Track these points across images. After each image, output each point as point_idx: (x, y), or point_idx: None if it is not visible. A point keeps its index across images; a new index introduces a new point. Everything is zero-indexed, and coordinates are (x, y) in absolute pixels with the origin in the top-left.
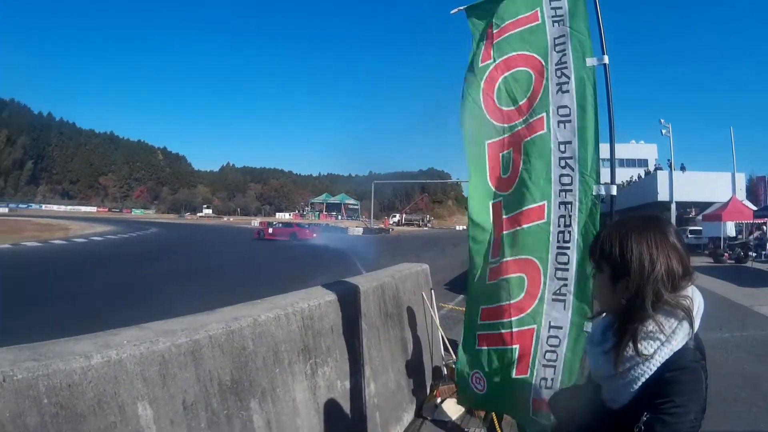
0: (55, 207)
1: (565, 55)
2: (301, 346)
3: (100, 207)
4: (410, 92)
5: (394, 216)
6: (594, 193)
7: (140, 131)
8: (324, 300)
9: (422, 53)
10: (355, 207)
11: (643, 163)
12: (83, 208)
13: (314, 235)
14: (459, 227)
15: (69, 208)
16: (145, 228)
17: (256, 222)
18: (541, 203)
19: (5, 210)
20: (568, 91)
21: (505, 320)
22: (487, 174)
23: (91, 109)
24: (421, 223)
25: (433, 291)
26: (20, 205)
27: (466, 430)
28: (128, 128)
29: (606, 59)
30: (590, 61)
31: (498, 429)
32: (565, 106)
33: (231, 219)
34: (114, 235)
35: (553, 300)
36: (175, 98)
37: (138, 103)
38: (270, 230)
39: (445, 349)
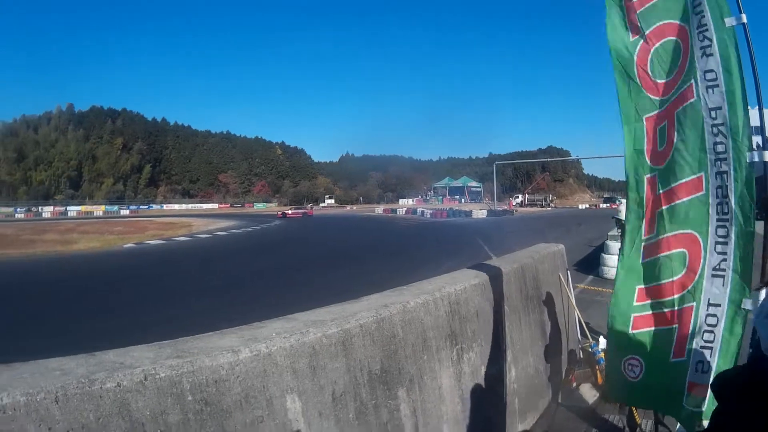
0: (176, 206)
1: (703, 17)
2: (448, 331)
3: (221, 203)
4: (526, 68)
5: (517, 197)
6: (748, 161)
7: (256, 129)
8: (469, 284)
9: (540, 29)
10: (478, 189)
11: None
12: (204, 206)
13: (312, 212)
14: (581, 206)
15: (190, 206)
16: (268, 221)
17: (379, 209)
18: (698, 175)
19: (127, 212)
20: (712, 55)
21: (667, 299)
22: (644, 148)
23: (206, 112)
24: (543, 203)
25: (569, 272)
26: (141, 207)
27: (602, 416)
28: (244, 127)
29: (744, 18)
30: (728, 21)
31: (636, 415)
32: (711, 71)
33: (354, 208)
34: (238, 229)
35: (713, 276)
36: (289, 94)
37: (252, 101)
38: (290, 212)
39: (581, 331)
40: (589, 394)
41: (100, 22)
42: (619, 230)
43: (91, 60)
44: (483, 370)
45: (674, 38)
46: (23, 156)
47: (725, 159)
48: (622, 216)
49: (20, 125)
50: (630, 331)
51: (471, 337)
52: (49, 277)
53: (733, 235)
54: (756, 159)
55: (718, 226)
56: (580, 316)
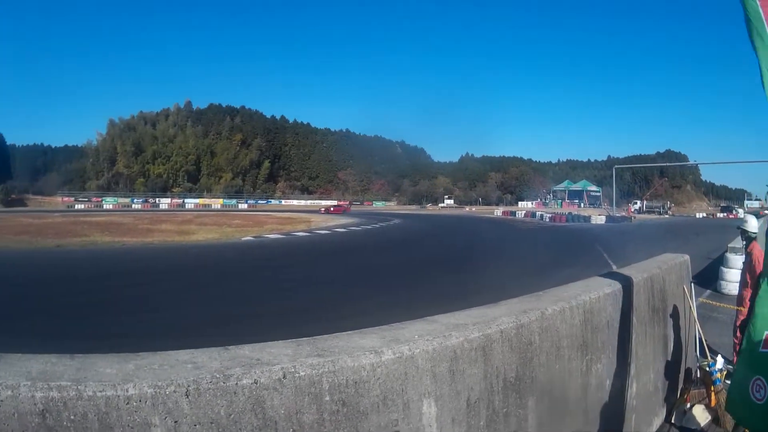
0: (294, 201)
1: None
2: (580, 341)
3: (340, 200)
4: (645, 68)
5: (635, 203)
6: None
7: (376, 127)
8: (603, 293)
9: (656, 29)
10: (597, 194)
11: None
12: (323, 202)
13: (350, 209)
14: (699, 215)
15: (309, 202)
16: (387, 219)
17: (498, 212)
18: None
19: (245, 205)
20: None
21: None
22: None
23: (325, 110)
24: (661, 210)
25: (693, 284)
26: (259, 201)
27: None
28: (364, 125)
29: None
30: None
31: None
32: None
33: (473, 209)
34: (357, 226)
35: None
36: (410, 93)
37: (372, 100)
38: (332, 208)
39: (701, 349)
40: (701, 416)
41: (218, 21)
42: (745, 242)
43: (209, 59)
44: (608, 383)
45: None
46: (141, 150)
47: None
48: (751, 227)
49: (138, 121)
50: (760, 349)
51: (600, 348)
52: (170, 263)
53: None
54: None
55: None
56: (701, 332)
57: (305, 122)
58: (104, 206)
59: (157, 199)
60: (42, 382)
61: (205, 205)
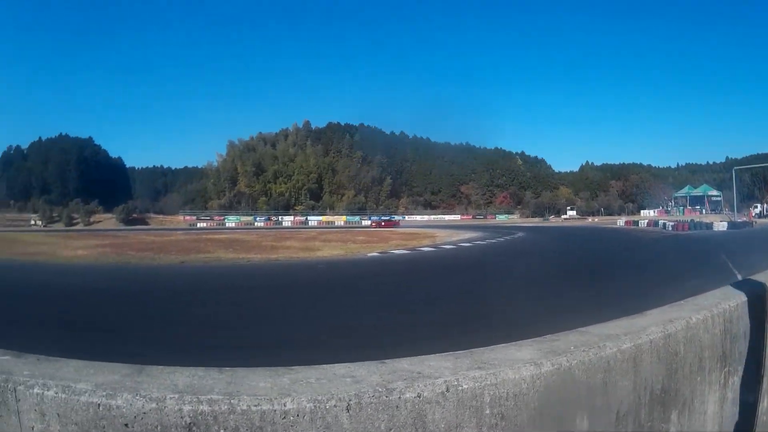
0: (417, 217)
1: None
2: (720, 352)
3: (463, 215)
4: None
5: (756, 206)
6: None
7: (496, 139)
8: (741, 300)
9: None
10: (718, 199)
11: None
12: (447, 217)
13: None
14: None
15: (432, 217)
16: (511, 232)
17: (621, 221)
18: None
19: (368, 222)
20: None
21: None
22: None
23: (443, 124)
24: None
25: None
26: (382, 217)
27: None
28: (483, 138)
29: None
30: None
31: None
32: None
33: (596, 219)
34: (482, 240)
35: None
36: (527, 103)
37: (490, 112)
38: (382, 222)
39: None
40: None
41: (334, 43)
42: None
43: (326, 80)
44: (741, 396)
45: None
46: (262, 170)
47: None
48: None
49: (257, 142)
50: None
51: (737, 359)
52: (299, 278)
53: None
54: None
55: None
56: None
57: (425, 137)
58: (226, 224)
59: (279, 217)
60: (190, 395)
61: (328, 222)
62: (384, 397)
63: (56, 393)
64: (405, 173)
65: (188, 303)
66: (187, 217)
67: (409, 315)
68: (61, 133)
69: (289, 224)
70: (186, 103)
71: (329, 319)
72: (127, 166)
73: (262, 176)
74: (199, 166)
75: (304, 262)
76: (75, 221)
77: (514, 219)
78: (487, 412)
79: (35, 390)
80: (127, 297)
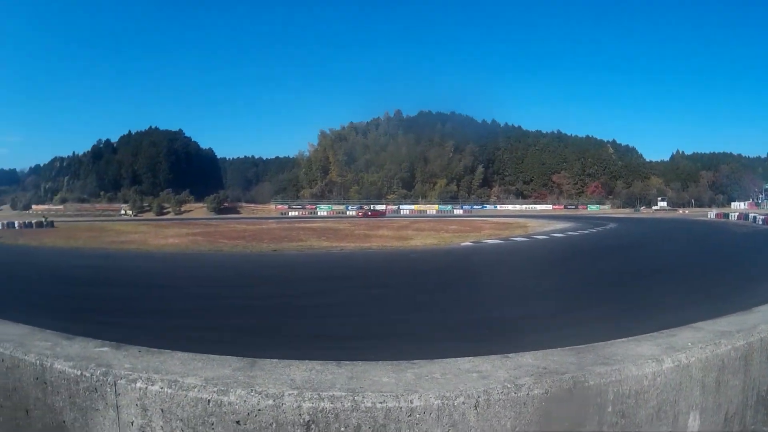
0: (509, 206)
1: None
2: None
3: (555, 204)
4: None
5: None
6: None
7: (587, 126)
8: None
9: None
10: None
11: None
12: (538, 207)
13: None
14: None
15: (524, 207)
16: (603, 223)
17: (711, 214)
18: None
19: (460, 211)
20: None
21: None
22: None
23: (535, 112)
24: None
25: None
26: (474, 207)
27: None
28: (574, 125)
29: None
30: None
31: None
32: None
33: (686, 211)
34: (574, 231)
35: None
36: (618, 88)
37: (581, 98)
38: (369, 212)
39: None
40: None
41: (424, 31)
42: None
43: (417, 68)
44: None
45: None
46: (353, 159)
47: None
48: None
49: (349, 131)
50: None
51: None
52: (396, 267)
53: None
54: None
55: None
56: None
57: (516, 125)
58: (318, 213)
59: (372, 206)
60: (310, 392)
61: (420, 211)
62: (512, 394)
63: (161, 388)
64: (497, 162)
65: (286, 292)
66: (279, 206)
67: (519, 307)
68: (151, 126)
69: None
70: (277, 94)
71: (434, 310)
72: (219, 156)
73: (354, 165)
74: (291, 156)
75: (397, 251)
76: (166, 210)
77: (605, 210)
78: (609, 409)
79: (138, 384)
80: (221, 285)
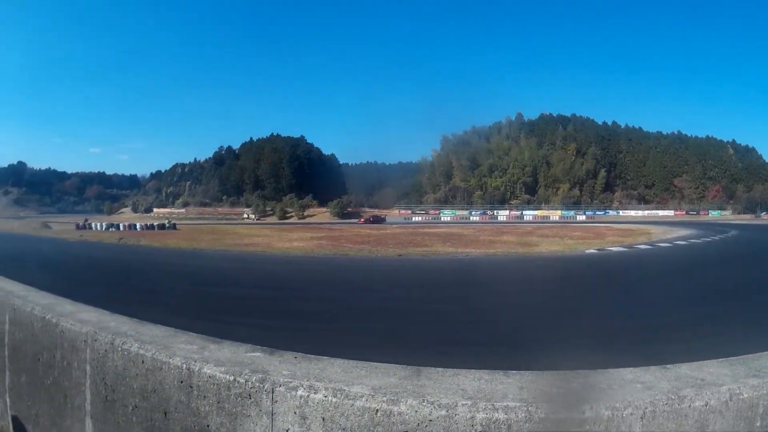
0: (632, 212)
1: None
2: None
3: (676, 210)
4: None
5: None
6: None
7: (706, 126)
8: None
9: None
10: None
11: None
12: (660, 212)
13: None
14: None
15: (645, 212)
16: (724, 230)
17: None
18: None
19: (582, 217)
20: None
21: None
22: None
23: (655, 112)
24: None
25: None
26: (596, 212)
27: None
28: (695, 125)
29: None
30: None
31: None
32: None
33: None
34: (697, 238)
35: None
36: (738, 86)
37: (701, 97)
38: (362, 220)
39: None
40: None
41: (543, 31)
42: None
43: (536, 69)
44: None
45: None
46: (477, 164)
47: None
48: None
49: (471, 136)
50: None
51: None
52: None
53: None
54: None
55: None
56: None
57: (637, 126)
58: (441, 218)
59: (495, 211)
60: (484, 402)
61: (543, 217)
62: (676, 405)
63: (325, 396)
64: (618, 165)
65: (416, 296)
66: (402, 211)
67: (664, 316)
68: (272, 133)
69: (505, 218)
70: (398, 101)
71: (577, 317)
72: (341, 162)
73: (477, 170)
74: (414, 161)
75: (523, 257)
76: (288, 215)
77: (726, 216)
78: (758, 424)
79: (299, 392)
80: (351, 288)
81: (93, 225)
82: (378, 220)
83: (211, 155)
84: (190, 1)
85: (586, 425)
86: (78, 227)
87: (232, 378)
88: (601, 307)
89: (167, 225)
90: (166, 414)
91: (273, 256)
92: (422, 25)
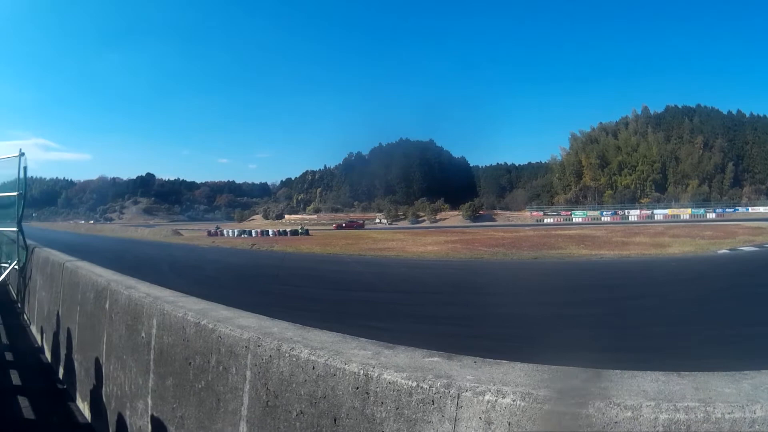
0: (761, 209)
1: None
2: None
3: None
4: None
5: None
6: None
7: None
8: None
9: None
10: None
11: None
12: None
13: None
14: None
15: None
16: None
17: None
18: None
19: (713, 215)
20: None
21: None
22: None
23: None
24: None
25: None
26: (726, 210)
27: None
28: None
29: None
30: None
31: None
32: None
33: None
34: None
35: None
36: None
37: None
38: (343, 225)
39: None
40: None
41: (670, 19)
42: None
43: (660, 60)
44: None
45: None
46: (606, 162)
47: None
48: None
49: (599, 132)
50: None
51: None
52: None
53: None
54: None
55: None
56: None
57: (762, 114)
58: (573, 219)
59: (626, 211)
60: (666, 402)
61: (673, 216)
62: None
63: (513, 401)
64: (746, 158)
65: (553, 300)
66: (534, 213)
67: None
68: (401, 138)
69: (635, 218)
70: (526, 100)
71: (707, 322)
72: (471, 165)
73: (607, 168)
74: (543, 161)
75: (656, 259)
76: (420, 219)
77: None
78: None
79: (486, 397)
80: (489, 292)
81: (224, 231)
82: (353, 225)
83: (340, 162)
84: (317, 12)
85: (756, 425)
86: (209, 234)
87: (414, 384)
88: (726, 312)
89: (300, 231)
90: (335, 420)
91: (408, 260)
92: (543, 22)
